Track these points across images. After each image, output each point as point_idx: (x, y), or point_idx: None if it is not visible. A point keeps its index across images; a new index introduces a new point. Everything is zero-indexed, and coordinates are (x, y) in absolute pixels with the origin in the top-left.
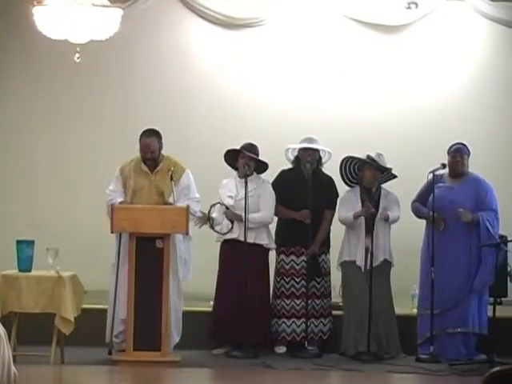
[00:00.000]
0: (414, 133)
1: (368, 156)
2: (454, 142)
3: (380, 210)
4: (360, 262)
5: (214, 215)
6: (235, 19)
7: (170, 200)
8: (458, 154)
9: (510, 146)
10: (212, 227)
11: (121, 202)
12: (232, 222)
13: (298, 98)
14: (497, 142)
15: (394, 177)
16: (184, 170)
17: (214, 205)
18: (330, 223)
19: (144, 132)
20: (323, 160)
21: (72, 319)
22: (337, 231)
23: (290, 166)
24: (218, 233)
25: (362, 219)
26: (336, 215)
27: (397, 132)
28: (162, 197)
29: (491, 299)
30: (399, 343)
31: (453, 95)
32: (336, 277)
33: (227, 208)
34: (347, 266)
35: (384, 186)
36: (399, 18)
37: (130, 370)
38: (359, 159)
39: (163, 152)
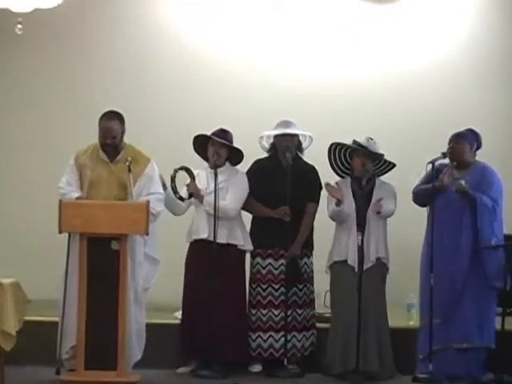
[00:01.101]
0: (409, 114)
1: (354, 141)
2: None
3: (373, 202)
4: (352, 261)
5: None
6: None
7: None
8: (455, 139)
9: (504, 119)
10: (174, 192)
11: (77, 198)
12: (191, 196)
13: (281, 75)
14: (492, 117)
15: (393, 165)
16: (149, 161)
17: (179, 169)
18: (313, 218)
19: (104, 114)
20: (303, 146)
21: (13, 333)
22: (321, 230)
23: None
24: (175, 193)
25: (354, 212)
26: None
27: (391, 114)
28: (124, 190)
29: (500, 309)
30: (393, 361)
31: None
32: (320, 283)
33: (194, 179)
34: (337, 268)
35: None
36: None
37: None
38: (348, 146)
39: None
